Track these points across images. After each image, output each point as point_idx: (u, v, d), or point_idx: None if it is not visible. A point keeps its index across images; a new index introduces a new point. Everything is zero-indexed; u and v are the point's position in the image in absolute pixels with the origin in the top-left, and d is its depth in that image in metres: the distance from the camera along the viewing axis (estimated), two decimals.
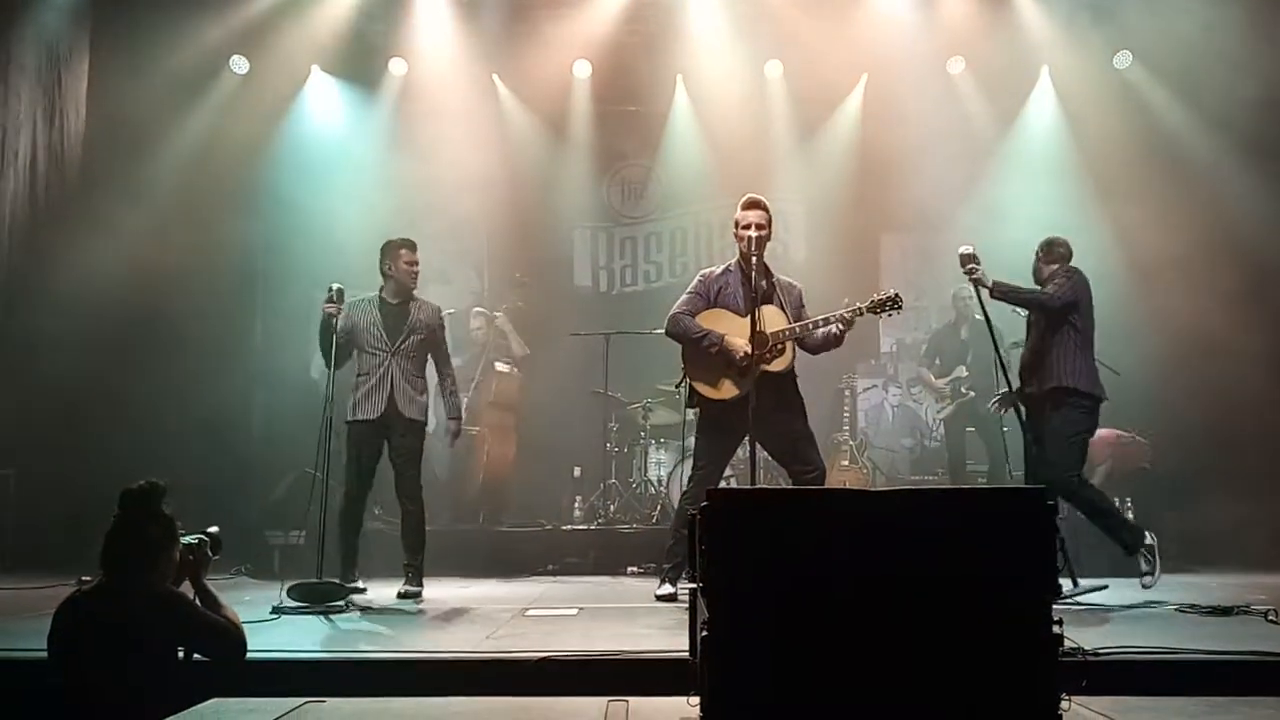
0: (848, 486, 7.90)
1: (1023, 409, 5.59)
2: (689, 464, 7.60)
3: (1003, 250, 8.77)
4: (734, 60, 8.88)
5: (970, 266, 5.42)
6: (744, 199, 5.48)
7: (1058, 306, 5.48)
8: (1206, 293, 7.79)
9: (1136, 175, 8.13)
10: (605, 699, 3.53)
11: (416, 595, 5.69)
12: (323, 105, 8.91)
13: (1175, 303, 7.80)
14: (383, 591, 5.92)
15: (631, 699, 3.53)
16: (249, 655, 3.38)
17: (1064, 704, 2.77)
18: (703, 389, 5.38)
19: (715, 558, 2.84)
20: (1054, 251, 5.71)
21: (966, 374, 7.84)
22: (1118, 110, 8.48)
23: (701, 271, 5.67)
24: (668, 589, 5.49)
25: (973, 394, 7.77)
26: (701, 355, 5.35)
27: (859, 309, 5.19)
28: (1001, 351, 5.66)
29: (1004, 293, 5.48)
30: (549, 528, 7.93)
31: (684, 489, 5.81)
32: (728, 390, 5.32)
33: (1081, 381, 5.46)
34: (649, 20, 8.77)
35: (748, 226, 5.35)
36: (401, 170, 8.95)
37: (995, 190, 9.04)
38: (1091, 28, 8.32)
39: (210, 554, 3.41)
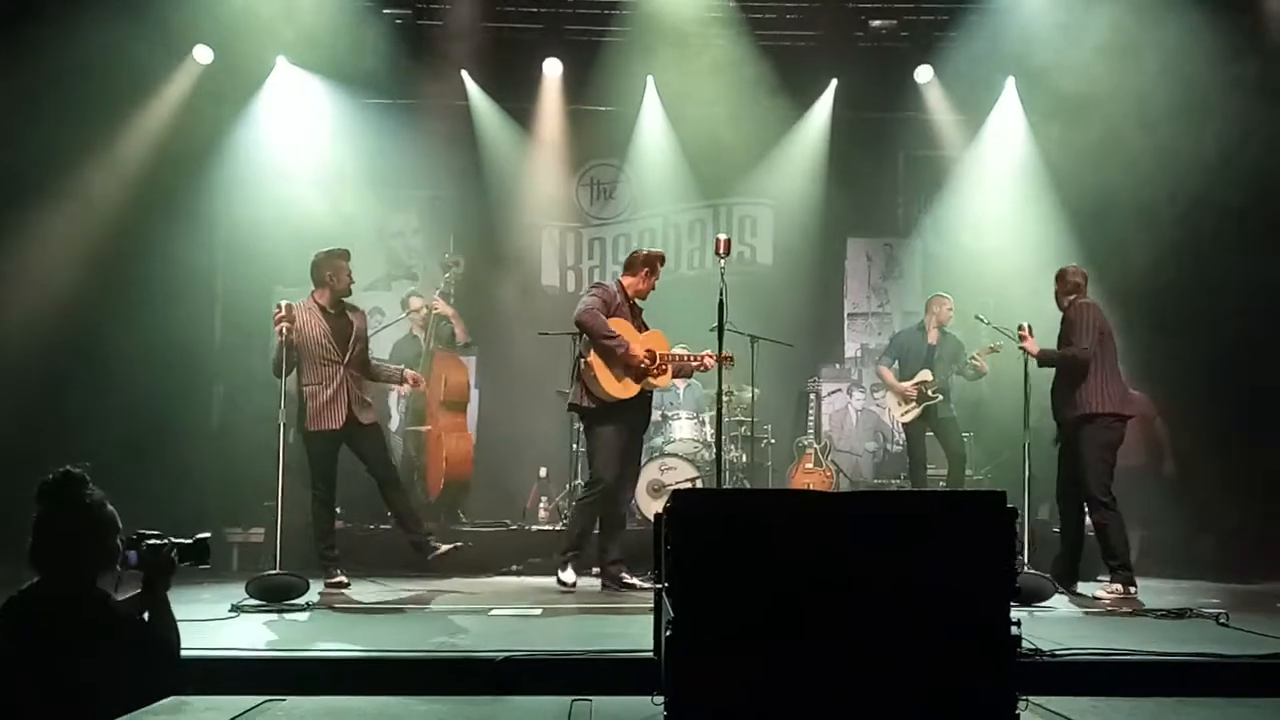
0: (812, 489, 7.93)
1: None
2: (653, 466, 7.69)
3: (968, 258, 8.98)
4: (705, 62, 8.89)
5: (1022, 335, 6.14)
6: (662, 255, 6.38)
7: (1089, 357, 5.99)
8: (1171, 305, 7.88)
9: (1102, 185, 8.20)
10: (569, 698, 3.54)
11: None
12: (287, 98, 8.77)
13: (1137, 313, 7.89)
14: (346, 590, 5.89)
15: (595, 698, 3.54)
16: (209, 653, 3.33)
17: (1021, 704, 2.82)
18: (608, 386, 5.90)
19: (680, 558, 2.85)
20: (1067, 281, 6.28)
21: (931, 378, 7.86)
22: (1082, 120, 8.56)
23: (600, 285, 6.32)
24: (570, 576, 5.93)
25: (940, 397, 7.81)
26: (607, 354, 5.91)
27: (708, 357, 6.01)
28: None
29: (1047, 359, 6.11)
30: (513, 528, 7.90)
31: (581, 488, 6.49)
32: (629, 389, 5.93)
33: (1106, 405, 5.97)
34: (620, 20, 8.76)
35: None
36: (367, 166, 8.86)
37: (962, 197, 9.15)
38: (1059, 37, 8.37)
39: (174, 560, 3.13)
